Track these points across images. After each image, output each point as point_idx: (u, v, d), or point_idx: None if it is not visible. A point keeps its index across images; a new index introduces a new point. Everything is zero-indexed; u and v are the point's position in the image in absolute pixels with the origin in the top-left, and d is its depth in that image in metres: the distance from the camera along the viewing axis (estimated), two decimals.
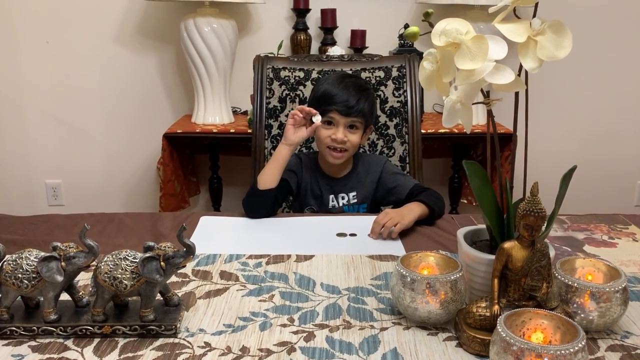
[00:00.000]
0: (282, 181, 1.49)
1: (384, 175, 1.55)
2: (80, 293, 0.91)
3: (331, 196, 1.54)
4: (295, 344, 0.86)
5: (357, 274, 1.09)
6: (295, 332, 0.89)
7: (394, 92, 1.75)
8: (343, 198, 1.54)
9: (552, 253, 0.86)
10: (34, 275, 0.85)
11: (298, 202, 1.58)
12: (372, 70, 1.76)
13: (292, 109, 1.72)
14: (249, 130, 2.31)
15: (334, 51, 2.36)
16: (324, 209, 1.54)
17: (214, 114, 2.45)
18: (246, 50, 2.52)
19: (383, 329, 0.90)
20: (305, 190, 1.56)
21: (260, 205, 1.40)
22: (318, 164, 1.57)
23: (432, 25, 0.83)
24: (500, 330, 0.73)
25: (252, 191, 1.42)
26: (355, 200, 1.54)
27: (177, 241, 0.87)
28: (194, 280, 1.06)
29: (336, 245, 1.25)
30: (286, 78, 1.75)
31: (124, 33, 2.64)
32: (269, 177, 1.42)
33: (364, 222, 1.33)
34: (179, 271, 0.95)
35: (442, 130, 2.36)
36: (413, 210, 1.33)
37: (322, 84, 1.53)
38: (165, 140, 2.35)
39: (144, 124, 2.74)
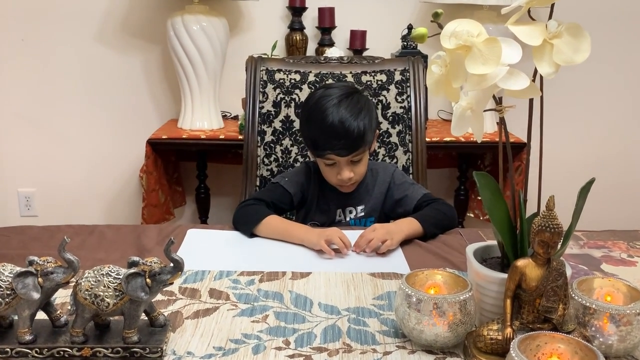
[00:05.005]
0: (285, 192, 1.48)
1: (393, 185, 1.54)
2: (58, 312, 0.90)
3: (339, 210, 1.54)
4: None
5: (358, 293, 1.09)
6: (291, 356, 0.88)
7: (397, 97, 1.76)
8: (351, 212, 1.54)
9: (568, 272, 0.86)
10: (8, 292, 0.84)
11: (302, 214, 1.56)
12: (373, 74, 1.77)
13: (288, 115, 1.74)
14: (240, 137, 2.32)
15: (332, 52, 2.36)
16: (329, 224, 1.51)
17: (202, 118, 2.45)
18: (238, 51, 2.53)
19: (386, 353, 0.90)
20: (312, 203, 1.54)
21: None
22: None
23: (440, 27, 0.84)
24: (513, 355, 0.73)
25: (246, 219, 1.39)
26: (363, 214, 1.54)
27: (164, 256, 0.87)
28: (182, 298, 1.06)
29: (335, 262, 1.25)
30: (281, 81, 1.75)
31: (107, 31, 2.64)
32: (269, 236, 1.37)
33: None
34: (165, 289, 0.95)
35: (448, 139, 2.37)
36: (403, 230, 1.33)
37: (311, 119, 1.45)
38: (149, 146, 2.35)
39: (126, 129, 2.73)
